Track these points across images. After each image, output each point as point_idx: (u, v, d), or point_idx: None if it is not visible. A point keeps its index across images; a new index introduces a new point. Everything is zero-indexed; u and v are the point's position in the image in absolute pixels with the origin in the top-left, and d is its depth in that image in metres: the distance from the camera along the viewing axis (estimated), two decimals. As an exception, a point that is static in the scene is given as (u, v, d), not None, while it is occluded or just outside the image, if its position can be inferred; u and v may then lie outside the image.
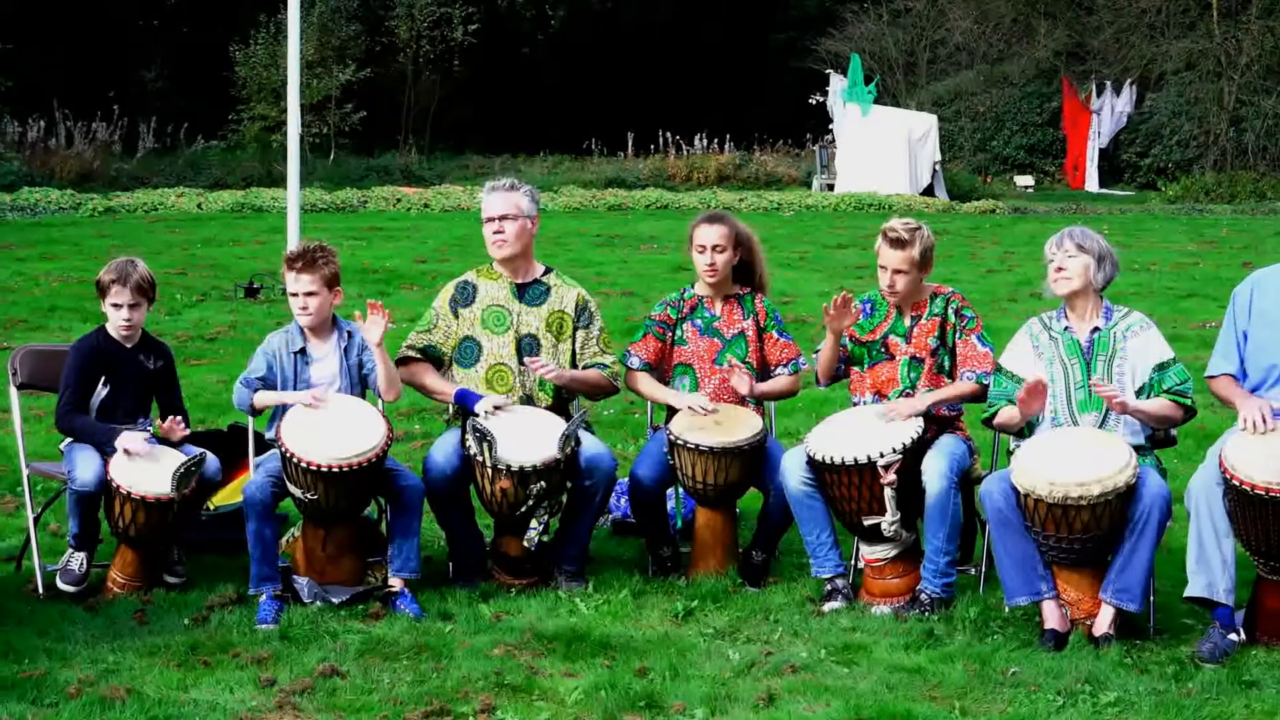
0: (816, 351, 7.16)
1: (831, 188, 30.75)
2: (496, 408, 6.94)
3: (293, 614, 6.42)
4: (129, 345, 6.91)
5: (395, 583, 6.66)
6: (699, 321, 7.33)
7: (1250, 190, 31.33)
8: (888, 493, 6.57)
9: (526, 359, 7.09)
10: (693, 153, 34.01)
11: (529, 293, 7.26)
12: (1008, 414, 6.64)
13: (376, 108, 35.76)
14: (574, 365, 7.25)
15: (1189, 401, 6.51)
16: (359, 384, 7.01)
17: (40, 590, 6.72)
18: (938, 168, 31.22)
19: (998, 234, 23.40)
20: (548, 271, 7.35)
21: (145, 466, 6.60)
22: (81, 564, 6.69)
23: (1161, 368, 6.53)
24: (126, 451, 6.63)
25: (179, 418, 6.84)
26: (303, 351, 6.96)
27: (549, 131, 38.21)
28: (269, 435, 6.96)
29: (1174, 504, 6.33)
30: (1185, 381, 6.51)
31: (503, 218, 7.15)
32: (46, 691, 5.52)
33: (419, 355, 7.24)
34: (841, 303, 6.85)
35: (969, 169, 35.38)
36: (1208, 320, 14.10)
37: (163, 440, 6.84)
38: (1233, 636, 6.07)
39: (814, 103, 33.60)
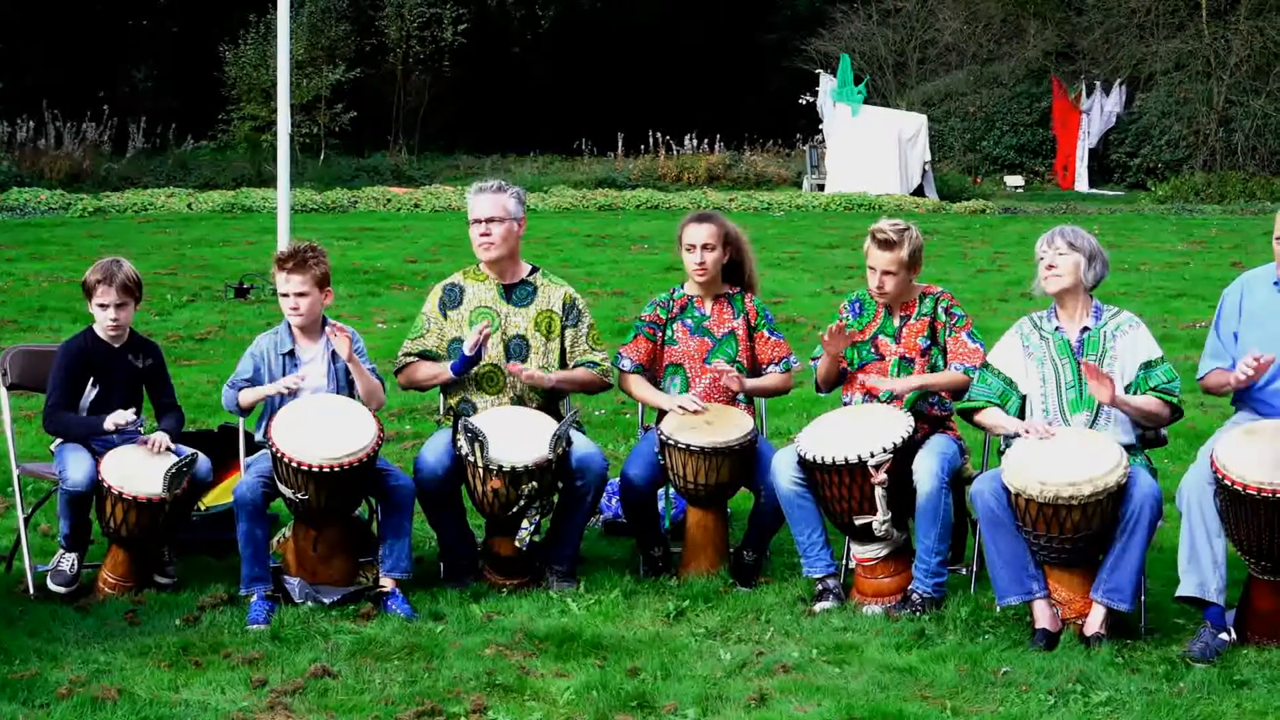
0: (815, 359, 7.15)
1: (822, 188, 30.76)
2: (482, 341, 6.98)
3: (284, 614, 6.42)
4: (117, 345, 6.90)
5: (387, 583, 6.66)
6: (689, 321, 7.33)
7: (1239, 190, 31.35)
8: (878, 492, 6.57)
9: (507, 365, 7.10)
10: (683, 153, 34.02)
11: (516, 293, 7.26)
12: (994, 419, 6.63)
13: (366, 108, 35.73)
14: (563, 364, 7.25)
15: (1176, 400, 6.51)
16: (347, 385, 7.00)
17: (31, 591, 6.71)
18: (928, 168, 31.24)
19: (988, 234, 23.42)
20: (534, 271, 7.35)
21: (137, 466, 6.60)
22: (72, 565, 6.69)
23: (1148, 366, 6.53)
24: (117, 425, 6.62)
25: (160, 439, 6.78)
26: (291, 353, 6.96)
27: (539, 132, 38.22)
28: (259, 436, 6.96)
29: (1165, 503, 6.34)
30: (1172, 381, 6.51)
31: (489, 220, 7.15)
32: (37, 692, 5.51)
33: (416, 360, 7.24)
34: (836, 330, 6.86)
35: (959, 169, 35.41)
36: (1197, 320, 14.11)
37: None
38: (1224, 636, 6.08)
39: (804, 103, 33.62)
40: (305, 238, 7.41)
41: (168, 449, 6.72)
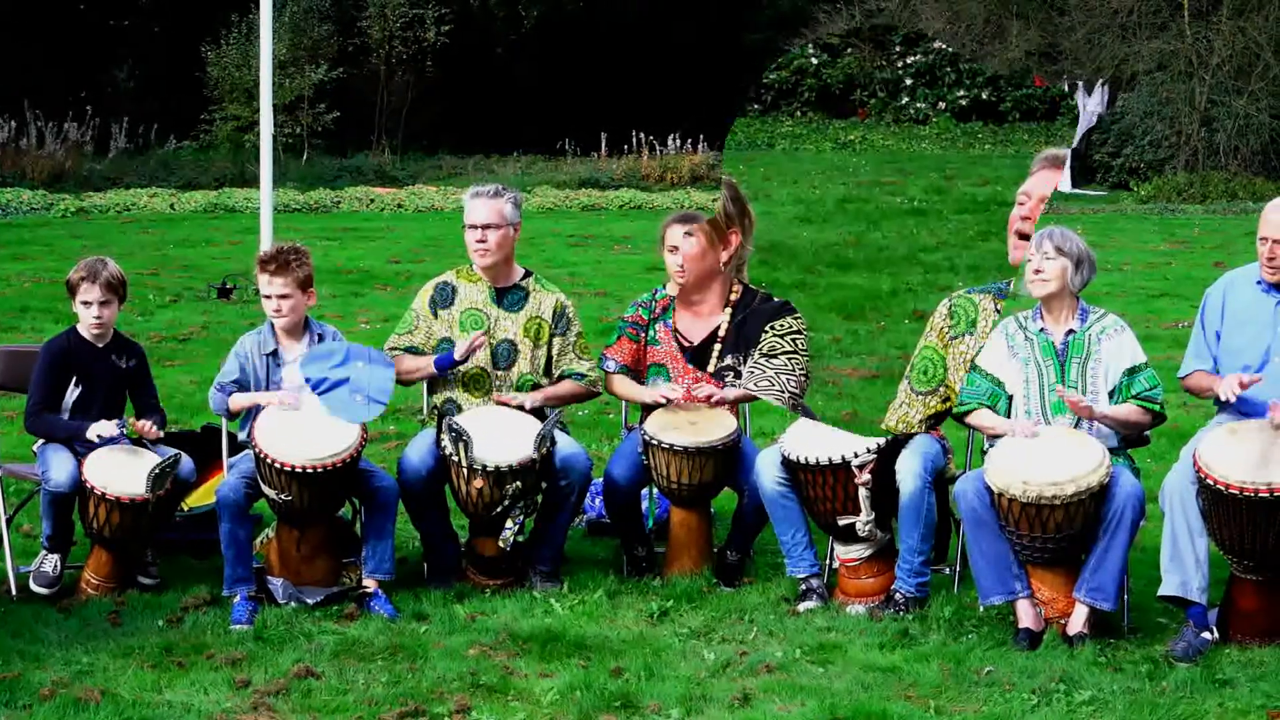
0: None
1: (805, 188, 30.78)
2: (475, 349, 6.97)
3: (267, 615, 6.41)
4: (100, 345, 6.88)
5: (370, 583, 6.65)
6: (671, 321, 7.32)
7: (1222, 190, 31.39)
8: (862, 492, 6.58)
9: (501, 396, 7.09)
10: (666, 153, 33.99)
11: (508, 298, 7.24)
12: (984, 421, 6.63)
13: (349, 108, 35.63)
14: (549, 370, 7.24)
15: (1158, 407, 6.51)
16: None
17: (13, 592, 6.69)
18: (911, 168, 31.32)
19: (972, 233, 23.43)
20: (527, 275, 7.33)
21: (120, 467, 6.58)
22: (55, 566, 6.67)
23: (1132, 372, 6.53)
24: (100, 437, 6.61)
25: (150, 423, 6.80)
26: (275, 354, 6.95)
27: (522, 132, 38.12)
28: (242, 436, 6.94)
29: (1148, 503, 6.35)
30: (1154, 387, 6.51)
31: (485, 226, 7.13)
32: (20, 694, 5.50)
33: (400, 353, 7.22)
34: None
35: (942, 169, 35.48)
36: (1180, 320, 14.13)
37: (136, 441, 6.82)
38: (1206, 635, 6.09)
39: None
40: (288, 238, 7.40)
41: (157, 439, 6.72)
